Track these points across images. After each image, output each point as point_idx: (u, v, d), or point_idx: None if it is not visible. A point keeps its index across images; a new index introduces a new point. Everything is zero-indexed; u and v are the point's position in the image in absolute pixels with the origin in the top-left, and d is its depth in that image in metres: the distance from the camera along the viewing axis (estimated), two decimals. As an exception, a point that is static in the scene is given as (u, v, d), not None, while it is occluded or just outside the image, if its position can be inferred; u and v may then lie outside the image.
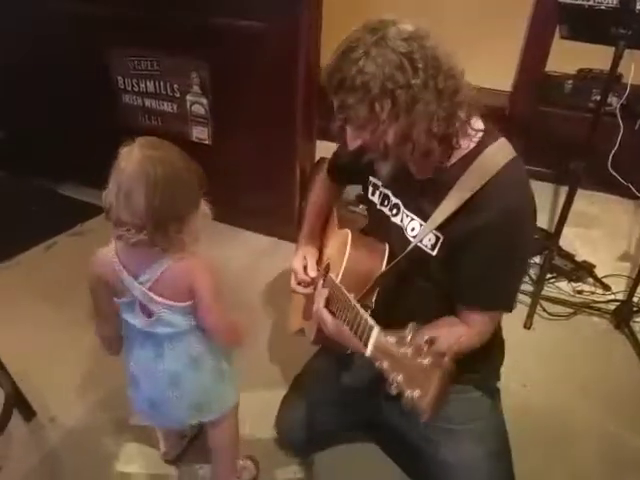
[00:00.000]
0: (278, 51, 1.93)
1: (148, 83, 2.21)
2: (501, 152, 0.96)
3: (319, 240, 1.37)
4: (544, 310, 1.87)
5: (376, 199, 1.16)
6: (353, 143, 0.92)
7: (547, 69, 2.64)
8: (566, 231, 2.04)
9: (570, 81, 2.62)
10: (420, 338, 0.69)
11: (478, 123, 0.96)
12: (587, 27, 1.59)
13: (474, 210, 0.94)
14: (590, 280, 2.03)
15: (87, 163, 2.36)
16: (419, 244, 1.02)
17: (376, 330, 0.76)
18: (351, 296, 0.93)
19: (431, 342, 0.69)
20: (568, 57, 2.54)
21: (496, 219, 0.93)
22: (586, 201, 2.56)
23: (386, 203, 1.13)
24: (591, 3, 1.56)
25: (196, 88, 2.14)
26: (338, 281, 1.04)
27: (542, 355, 1.70)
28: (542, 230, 2.14)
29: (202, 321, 1.01)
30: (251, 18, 1.90)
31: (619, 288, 1.96)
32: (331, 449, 1.36)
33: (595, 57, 2.27)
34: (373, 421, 1.32)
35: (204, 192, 0.96)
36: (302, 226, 1.40)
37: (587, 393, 1.57)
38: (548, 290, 1.95)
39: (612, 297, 1.93)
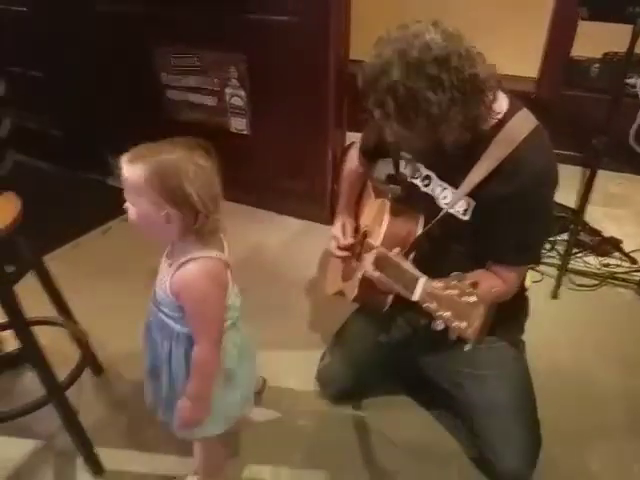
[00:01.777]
0: (310, 44, 2.07)
1: (190, 78, 2.38)
2: (524, 122, 1.06)
3: (355, 211, 1.49)
4: (571, 282, 1.95)
5: (408, 172, 1.28)
6: (390, 138, 1.03)
7: (572, 54, 2.71)
8: (593, 210, 2.11)
9: (596, 65, 2.67)
10: (464, 282, 0.83)
11: (501, 97, 1.06)
12: (605, 7, 1.66)
13: (502, 176, 1.05)
14: (616, 254, 2.09)
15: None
16: (451, 210, 1.14)
17: (423, 279, 0.90)
18: (393, 254, 1.06)
19: (474, 285, 0.83)
20: (593, 41, 2.60)
21: (523, 183, 1.04)
22: (612, 182, 2.62)
23: (417, 175, 1.25)
24: (609, -16, 1.64)
25: (234, 81, 2.29)
26: (378, 244, 1.16)
27: (568, 323, 1.78)
28: (568, 208, 2.21)
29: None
30: (285, 13, 2.04)
31: (646, 260, 2.02)
32: (366, 399, 1.48)
33: (620, 40, 2.33)
34: (406, 373, 1.44)
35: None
36: (339, 199, 1.52)
37: (613, 358, 1.64)
38: (575, 264, 2.02)
39: (638, 269, 1.99)
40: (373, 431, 1.39)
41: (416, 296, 0.90)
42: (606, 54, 2.68)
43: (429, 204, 1.19)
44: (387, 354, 1.40)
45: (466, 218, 1.13)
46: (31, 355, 1.13)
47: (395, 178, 1.46)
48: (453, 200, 1.12)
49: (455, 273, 0.84)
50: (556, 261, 2.01)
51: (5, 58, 2.61)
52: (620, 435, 1.39)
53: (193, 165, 0.89)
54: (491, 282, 1.12)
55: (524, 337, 1.36)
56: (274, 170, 2.43)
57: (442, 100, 0.91)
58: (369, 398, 1.48)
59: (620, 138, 2.60)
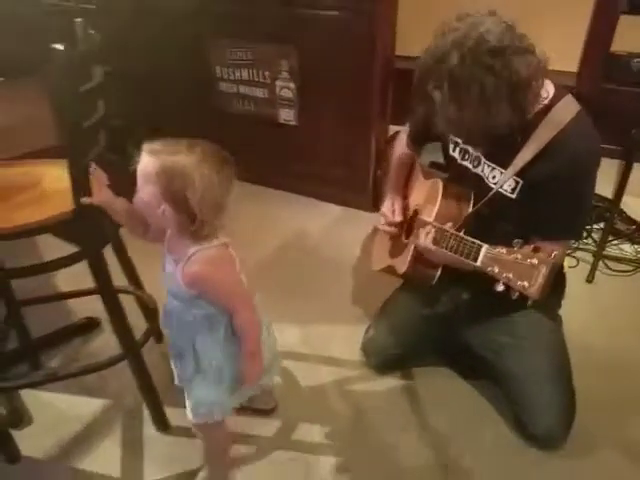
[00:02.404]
0: (358, 39, 2.18)
1: (242, 71, 2.53)
2: (569, 107, 1.16)
3: (403, 191, 1.61)
4: (607, 267, 2.02)
5: (457, 155, 1.39)
6: (442, 123, 1.15)
7: (613, 49, 2.74)
8: (630, 200, 2.17)
9: (637, 59, 2.70)
10: (525, 248, 0.95)
11: (547, 83, 1.16)
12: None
13: (548, 156, 1.15)
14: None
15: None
16: (500, 189, 1.24)
17: (485, 246, 1.02)
18: (448, 227, 1.17)
19: (535, 249, 0.94)
20: (634, 36, 2.64)
21: (568, 163, 1.14)
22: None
23: (466, 157, 1.36)
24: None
25: (285, 74, 2.43)
26: (432, 220, 1.27)
27: (603, 305, 1.85)
28: (604, 198, 2.26)
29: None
30: (335, 8, 2.16)
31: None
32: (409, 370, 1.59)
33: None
34: (447, 345, 1.54)
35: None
36: (388, 181, 1.64)
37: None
38: (610, 251, 2.09)
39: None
40: (418, 397, 1.51)
41: (479, 262, 1.01)
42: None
43: (478, 184, 1.30)
44: (430, 327, 1.51)
45: (514, 196, 1.23)
46: (113, 312, 1.27)
47: (438, 164, 1.57)
48: (503, 179, 1.22)
49: (516, 240, 0.95)
50: (592, 247, 2.08)
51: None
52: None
53: (200, 174, 0.91)
54: (551, 248, 1.20)
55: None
56: (318, 159, 2.56)
57: (494, 86, 1.02)
58: (411, 369, 1.59)
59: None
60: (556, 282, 1.40)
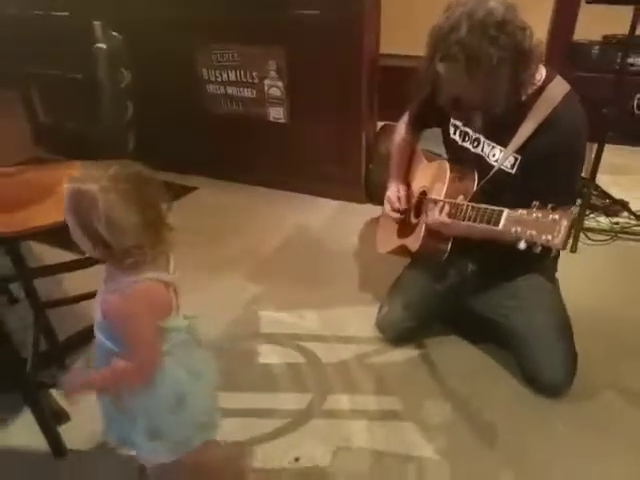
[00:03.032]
0: (345, 37, 2.30)
1: (230, 73, 2.61)
2: (560, 86, 1.31)
3: (405, 177, 1.73)
4: (587, 238, 2.20)
5: (457, 137, 1.52)
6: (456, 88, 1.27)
7: (575, 38, 2.95)
8: (602, 178, 2.36)
9: (596, 47, 2.92)
10: (544, 207, 1.06)
11: (541, 68, 1.30)
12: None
13: (544, 132, 1.29)
14: (624, 214, 2.34)
15: (177, 148, 2.78)
16: (501, 166, 1.37)
17: (506, 210, 1.13)
18: (460, 200, 1.29)
19: (554, 208, 1.05)
20: (593, 25, 2.85)
21: (561, 136, 1.28)
22: (615, 154, 2.85)
23: (466, 139, 1.49)
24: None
25: (273, 73, 2.52)
26: (442, 197, 1.39)
27: (587, 271, 2.02)
28: (581, 177, 2.45)
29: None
30: (321, 9, 2.27)
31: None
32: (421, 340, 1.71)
33: (617, 23, 2.58)
34: (456, 314, 1.67)
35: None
36: (390, 168, 1.75)
37: (628, 297, 1.89)
38: (589, 223, 2.27)
39: (646, 227, 2.24)
40: (434, 363, 1.63)
41: (500, 226, 1.13)
42: (605, 36, 2.93)
43: (479, 163, 1.43)
44: (440, 299, 1.64)
45: (513, 171, 1.37)
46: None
47: (432, 153, 1.70)
48: (504, 156, 1.36)
49: (534, 203, 1.07)
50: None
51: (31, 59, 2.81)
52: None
53: (104, 199, 0.84)
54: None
55: (556, 277, 1.61)
56: (310, 156, 2.66)
57: (498, 56, 1.15)
58: (424, 339, 1.71)
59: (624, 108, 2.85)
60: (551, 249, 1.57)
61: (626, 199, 2.42)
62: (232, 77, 2.61)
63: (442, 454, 1.34)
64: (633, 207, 2.37)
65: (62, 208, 0.87)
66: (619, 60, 2.76)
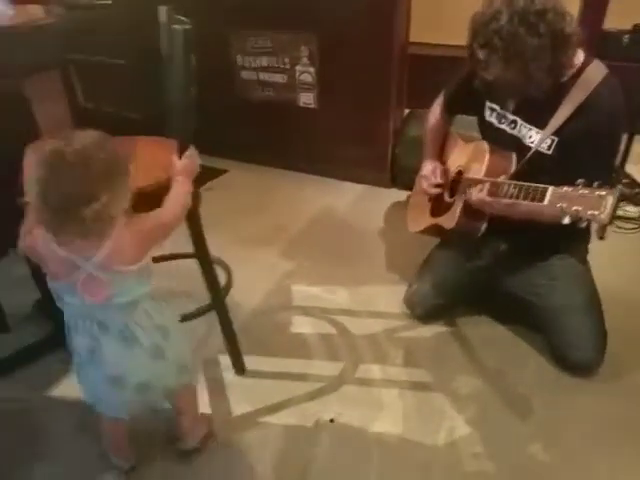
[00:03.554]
0: (376, 25, 2.34)
1: (262, 59, 2.66)
2: (598, 70, 1.34)
3: (440, 157, 1.76)
4: (616, 226, 2.21)
5: (494, 119, 1.55)
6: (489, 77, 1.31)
7: (605, 27, 2.94)
8: (630, 168, 2.37)
9: (627, 35, 2.91)
10: (589, 184, 1.09)
11: (579, 52, 1.33)
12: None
13: (581, 115, 1.32)
14: (652, 202, 2.35)
15: (209, 133, 2.84)
16: (538, 148, 1.40)
17: (551, 187, 1.16)
18: (503, 179, 1.33)
19: (600, 185, 1.08)
20: (624, 15, 2.84)
21: (598, 119, 1.31)
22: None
23: (503, 121, 1.52)
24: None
25: (305, 59, 2.56)
26: (482, 176, 1.43)
27: (615, 257, 2.03)
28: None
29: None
30: (353, -4, 2.32)
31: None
32: (450, 318, 1.76)
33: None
34: (487, 292, 1.70)
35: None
36: (424, 148, 1.79)
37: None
38: (617, 212, 2.28)
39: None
40: (463, 340, 1.67)
41: (546, 201, 1.16)
42: (636, 25, 2.91)
43: (516, 144, 1.46)
44: (471, 278, 1.67)
45: (550, 152, 1.40)
46: (206, 268, 1.41)
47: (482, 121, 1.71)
48: (541, 138, 1.39)
49: (580, 180, 1.10)
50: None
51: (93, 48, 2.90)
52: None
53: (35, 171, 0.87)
54: None
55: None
56: (338, 140, 2.70)
57: (537, 43, 1.19)
58: (453, 317, 1.75)
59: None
60: (585, 229, 1.60)
61: (654, 189, 2.42)
62: (264, 63, 2.67)
63: (472, 424, 1.39)
64: (662, 196, 2.38)
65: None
66: None
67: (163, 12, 1.33)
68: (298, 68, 2.60)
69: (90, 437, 1.33)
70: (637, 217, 2.27)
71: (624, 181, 2.36)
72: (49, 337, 1.62)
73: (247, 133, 2.86)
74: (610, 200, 1.04)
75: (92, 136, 0.91)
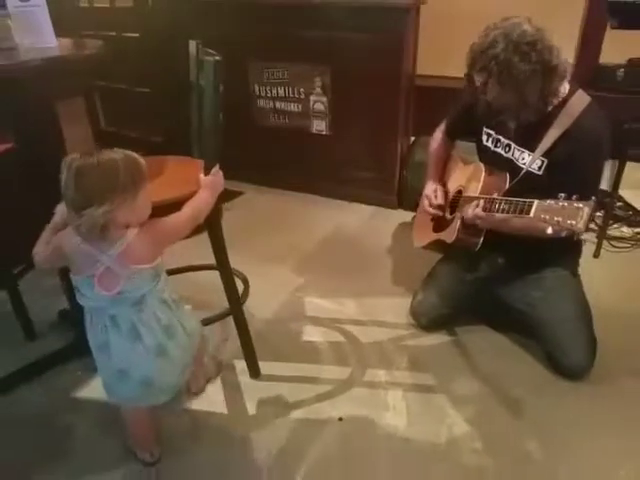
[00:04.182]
0: (386, 59, 2.53)
1: (279, 89, 2.86)
2: (582, 98, 1.50)
3: (442, 178, 1.92)
4: (611, 245, 2.34)
5: (490, 144, 1.71)
6: (492, 96, 1.46)
7: (601, 61, 3.13)
8: (625, 193, 2.52)
9: (621, 70, 3.09)
10: (569, 198, 1.23)
11: (565, 83, 1.49)
12: (631, 18, 2.10)
13: (567, 139, 1.48)
14: (646, 223, 2.48)
15: (226, 157, 3.03)
16: (529, 168, 1.56)
17: (536, 200, 1.31)
18: (495, 196, 1.48)
19: (577, 198, 1.23)
20: (619, 50, 3.03)
21: (583, 143, 1.46)
22: (637, 169, 3.00)
23: (498, 145, 1.68)
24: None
25: (318, 90, 2.76)
26: (478, 194, 1.58)
27: (608, 275, 2.15)
28: (602, 190, 2.59)
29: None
30: (365, 31, 2.51)
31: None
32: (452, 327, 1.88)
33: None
34: (486, 303, 1.83)
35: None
36: (427, 170, 1.95)
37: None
38: (612, 233, 2.41)
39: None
40: (464, 347, 1.79)
41: (532, 214, 1.30)
42: (630, 60, 3.09)
43: (510, 166, 1.62)
44: (471, 289, 1.81)
45: (540, 173, 1.55)
46: (226, 277, 1.56)
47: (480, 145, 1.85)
48: (532, 160, 1.54)
49: (560, 194, 1.24)
50: (596, 229, 2.40)
51: (119, 77, 3.14)
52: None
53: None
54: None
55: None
56: (349, 164, 2.87)
57: (529, 69, 1.36)
58: (454, 327, 1.87)
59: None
60: (576, 244, 1.74)
61: (648, 212, 2.55)
62: (281, 93, 2.87)
63: (471, 422, 1.50)
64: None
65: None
66: None
67: (193, 45, 1.52)
68: (312, 98, 2.80)
69: (115, 437, 1.44)
70: (630, 237, 2.39)
71: (618, 204, 2.49)
72: (73, 344, 1.74)
73: (263, 157, 3.05)
74: (586, 210, 1.18)
75: (110, 154, 1.03)
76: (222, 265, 1.55)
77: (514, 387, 1.62)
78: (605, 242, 2.34)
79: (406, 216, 2.72)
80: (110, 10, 3.15)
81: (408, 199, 2.76)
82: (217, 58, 1.29)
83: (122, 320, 1.13)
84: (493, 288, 1.78)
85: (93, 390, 1.60)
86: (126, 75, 3.20)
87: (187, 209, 1.20)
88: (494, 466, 1.38)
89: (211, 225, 1.50)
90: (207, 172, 1.33)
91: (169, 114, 3.09)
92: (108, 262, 1.06)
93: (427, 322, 1.86)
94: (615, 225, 2.48)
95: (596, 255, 2.28)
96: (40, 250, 1.14)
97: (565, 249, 1.69)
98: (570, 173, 1.48)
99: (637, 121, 2.22)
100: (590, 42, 3.10)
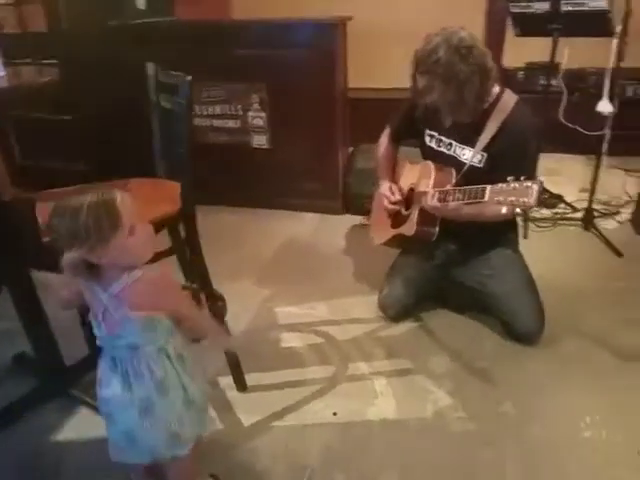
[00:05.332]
0: (319, 72, 2.69)
1: (216, 107, 2.91)
2: (511, 96, 1.73)
3: (392, 178, 2.08)
4: (536, 226, 2.64)
5: (433, 144, 1.89)
6: (434, 95, 1.63)
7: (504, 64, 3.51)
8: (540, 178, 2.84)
9: (522, 72, 3.49)
10: (518, 179, 1.41)
11: (495, 85, 1.71)
12: (532, 26, 2.41)
13: (502, 134, 1.69)
14: (561, 205, 2.82)
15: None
16: (471, 163, 1.75)
17: (488, 185, 1.48)
18: (450, 186, 1.65)
19: (526, 179, 1.40)
20: (517, 54, 3.42)
21: (516, 136, 1.68)
22: (549, 160, 3.39)
23: (441, 144, 1.86)
24: (532, 10, 2.38)
25: (256, 106, 2.85)
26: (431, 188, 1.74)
27: (538, 250, 2.43)
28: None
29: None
30: (298, 47, 2.64)
31: (582, 206, 2.75)
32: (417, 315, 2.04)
33: (536, 52, 3.16)
34: (445, 287, 2.02)
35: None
36: (378, 172, 2.10)
37: (574, 268, 2.32)
38: (534, 215, 2.72)
39: (578, 214, 2.71)
40: (431, 331, 1.96)
41: (486, 197, 1.47)
42: (528, 63, 3.50)
43: (453, 162, 1.80)
44: (431, 276, 1.99)
45: (481, 166, 1.75)
46: (208, 295, 1.60)
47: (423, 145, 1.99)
48: (473, 155, 1.74)
49: (509, 177, 1.42)
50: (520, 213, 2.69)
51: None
52: (594, 312, 2.03)
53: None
54: None
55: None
56: (293, 176, 2.98)
57: (468, 70, 1.55)
58: (419, 314, 2.04)
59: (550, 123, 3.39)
60: (514, 224, 1.98)
61: (561, 194, 2.91)
62: (218, 111, 2.92)
63: (451, 395, 1.65)
64: (568, 199, 2.86)
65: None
66: (541, 82, 3.38)
67: (151, 68, 1.56)
68: (250, 114, 2.88)
69: (110, 475, 1.35)
70: (550, 217, 2.72)
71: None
72: (43, 386, 1.67)
73: (204, 175, 3.05)
74: (535, 187, 1.37)
75: (81, 198, 0.96)
76: (205, 282, 1.59)
77: (481, 359, 1.80)
78: (531, 224, 2.63)
79: (353, 220, 2.88)
80: (22, 36, 3.04)
81: (353, 204, 2.92)
82: (189, 78, 1.34)
83: (119, 363, 1.08)
84: (449, 273, 1.97)
85: (75, 429, 1.56)
86: (44, 104, 3.06)
87: (193, 312, 1.14)
88: (478, 429, 1.54)
89: (190, 243, 1.55)
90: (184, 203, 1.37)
91: (95, 141, 3.01)
92: (106, 301, 1.02)
93: (395, 313, 2.00)
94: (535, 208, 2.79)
95: (525, 236, 2.56)
96: (58, 290, 1.09)
97: (505, 231, 1.93)
98: (509, 162, 1.68)
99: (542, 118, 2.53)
100: (492, 49, 3.44)
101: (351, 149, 3.02)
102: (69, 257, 0.97)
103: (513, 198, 1.40)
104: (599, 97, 2.58)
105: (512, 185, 1.41)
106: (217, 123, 2.96)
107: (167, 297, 1.06)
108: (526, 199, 1.37)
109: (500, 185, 1.45)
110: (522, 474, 1.39)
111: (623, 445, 1.46)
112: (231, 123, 2.94)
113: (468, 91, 1.60)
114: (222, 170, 3.06)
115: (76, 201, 0.95)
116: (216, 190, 3.08)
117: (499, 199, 1.43)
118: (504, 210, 1.43)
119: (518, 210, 1.42)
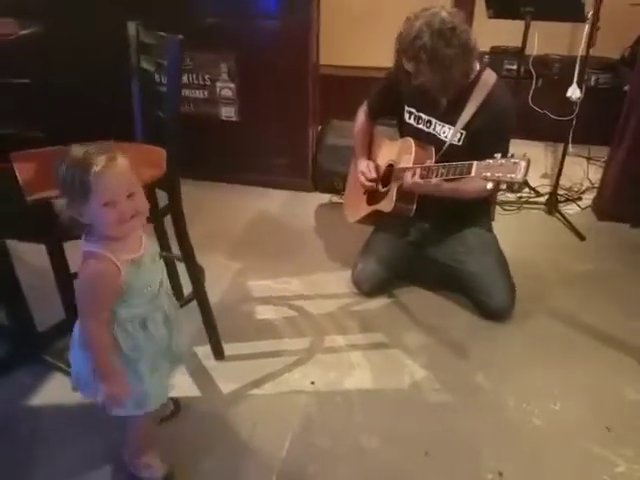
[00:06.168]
0: (292, 44, 2.61)
1: (182, 76, 2.78)
2: (490, 75, 1.74)
3: (369, 155, 2.07)
4: (502, 209, 2.71)
5: (412, 121, 1.89)
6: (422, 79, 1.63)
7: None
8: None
9: (487, 56, 3.54)
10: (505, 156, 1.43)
11: (476, 63, 1.72)
12: (505, 8, 2.44)
13: (483, 111, 1.70)
14: (526, 190, 2.91)
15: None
16: (451, 141, 1.76)
17: (475, 161, 1.48)
18: (431, 163, 1.66)
19: (512, 155, 1.42)
20: (483, 38, 3.46)
21: (495, 113, 1.70)
22: (511, 146, 3.48)
23: (420, 122, 1.86)
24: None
25: (224, 76, 2.75)
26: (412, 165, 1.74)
27: (504, 232, 2.48)
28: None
29: None
30: (270, 18, 2.56)
31: (545, 191, 2.85)
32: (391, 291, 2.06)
33: (503, 36, 3.22)
34: (419, 264, 2.04)
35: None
36: (356, 149, 2.08)
37: (539, 250, 2.40)
38: (500, 199, 2.79)
39: (542, 199, 2.81)
40: (405, 307, 1.98)
41: (473, 173, 1.48)
42: (493, 47, 3.56)
43: (432, 140, 1.81)
44: (405, 253, 2.00)
45: (460, 144, 1.77)
46: (189, 264, 1.56)
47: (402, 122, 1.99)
48: (453, 133, 1.75)
49: (496, 154, 1.43)
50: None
51: None
52: (559, 292, 2.12)
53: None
54: None
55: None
56: (261, 151, 2.90)
57: (452, 53, 1.55)
58: (393, 290, 2.05)
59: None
60: (486, 208, 2.02)
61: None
62: (184, 80, 2.79)
63: (426, 367, 1.68)
64: (532, 184, 2.96)
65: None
66: (506, 67, 3.46)
67: (132, 27, 1.47)
68: (218, 84, 2.78)
69: (90, 436, 1.39)
70: (515, 201, 2.80)
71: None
72: (11, 353, 1.62)
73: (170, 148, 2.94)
74: (523, 164, 1.40)
75: (73, 149, 0.98)
76: (185, 250, 1.54)
77: (453, 334, 1.84)
78: (498, 208, 2.70)
79: (322, 198, 2.86)
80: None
81: (323, 182, 2.89)
82: (179, 37, 1.27)
83: None
84: (424, 250, 1.99)
85: (49, 395, 1.51)
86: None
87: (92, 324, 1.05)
88: (453, 400, 1.57)
89: (174, 211, 1.49)
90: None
91: (50, 104, 2.83)
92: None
93: (369, 288, 2.01)
94: (500, 192, 2.87)
95: (492, 218, 2.62)
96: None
97: (479, 211, 1.97)
98: (486, 140, 1.70)
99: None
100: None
101: (320, 127, 2.98)
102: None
103: (500, 174, 1.42)
104: (564, 84, 2.67)
105: (500, 162, 1.43)
106: (184, 93, 2.84)
107: (81, 295, 1.05)
108: (514, 175, 1.40)
109: (487, 161, 1.46)
110: (496, 442, 1.44)
111: (592, 420, 1.52)
112: (198, 93, 2.83)
113: (455, 71, 1.60)
114: (188, 142, 2.94)
115: (72, 152, 0.97)
116: (182, 162, 2.97)
117: (486, 175, 1.45)
118: (489, 186, 1.44)
119: (503, 187, 1.44)
